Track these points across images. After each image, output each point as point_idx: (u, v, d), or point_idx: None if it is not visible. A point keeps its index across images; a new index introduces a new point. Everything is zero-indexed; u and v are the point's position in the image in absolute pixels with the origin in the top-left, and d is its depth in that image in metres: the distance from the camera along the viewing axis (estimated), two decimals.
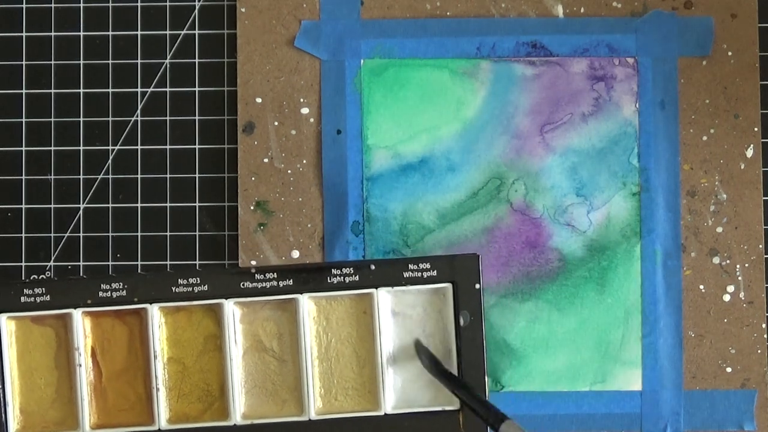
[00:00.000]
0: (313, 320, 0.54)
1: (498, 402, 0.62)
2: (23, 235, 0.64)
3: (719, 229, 0.62)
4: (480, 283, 0.53)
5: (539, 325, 0.62)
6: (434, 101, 0.63)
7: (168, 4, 0.64)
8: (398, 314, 0.54)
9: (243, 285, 0.53)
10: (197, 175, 0.63)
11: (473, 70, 0.63)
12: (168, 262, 0.63)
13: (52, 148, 0.64)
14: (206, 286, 0.53)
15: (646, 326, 0.62)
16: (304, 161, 0.63)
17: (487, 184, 0.63)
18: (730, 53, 0.62)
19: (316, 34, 0.63)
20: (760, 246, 0.62)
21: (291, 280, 0.53)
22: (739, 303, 0.62)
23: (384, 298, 0.53)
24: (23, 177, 0.64)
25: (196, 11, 0.64)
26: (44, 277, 0.62)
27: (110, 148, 0.64)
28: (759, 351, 0.62)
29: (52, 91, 0.64)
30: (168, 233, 0.63)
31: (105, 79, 0.64)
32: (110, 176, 0.64)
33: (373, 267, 0.53)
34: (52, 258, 0.64)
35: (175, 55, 0.64)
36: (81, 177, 0.64)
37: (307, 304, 0.53)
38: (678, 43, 0.62)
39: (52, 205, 0.64)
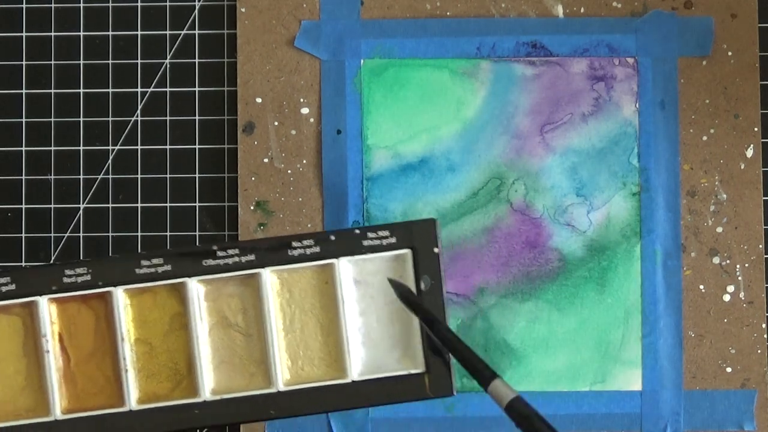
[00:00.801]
0: (276, 293, 0.54)
1: None
2: (23, 235, 0.64)
3: (719, 229, 0.62)
4: (438, 247, 0.53)
5: (539, 325, 0.62)
6: (434, 101, 0.63)
7: (168, 4, 0.64)
8: (360, 282, 0.54)
9: (206, 263, 0.53)
10: (197, 175, 0.63)
11: (473, 70, 0.63)
12: None
13: (52, 148, 0.64)
14: (169, 266, 0.53)
15: (646, 326, 0.62)
16: (304, 161, 0.63)
17: (487, 184, 0.63)
18: (730, 53, 0.62)
19: (316, 34, 0.63)
20: (760, 246, 0.62)
21: (253, 255, 0.53)
22: (739, 303, 0.62)
23: (345, 267, 0.54)
24: (23, 177, 0.64)
25: (196, 11, 0.64)
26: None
27: (110, 148, 0.64)
28: (759, 351, 0.62)
29: (52, 91, 0.64)
30: (168, 233, 0.63)
31: (105, 79, 0.64)
32: (110, 176, 0.64)
33: (333, 237, 0.53)
34: (52, 258, 0.64)
35: (175, 55, 0.64)
36: (81, 177, 0.64)
37: (269, 278, 0.53)
38: (678, 43, 0.62)
39: (52, 205, 0.64)
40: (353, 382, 0.53)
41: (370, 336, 0.54)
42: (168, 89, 0.64)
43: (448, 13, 0.63)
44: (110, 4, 0.64)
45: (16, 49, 0.64)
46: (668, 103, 0.62)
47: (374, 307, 0.54)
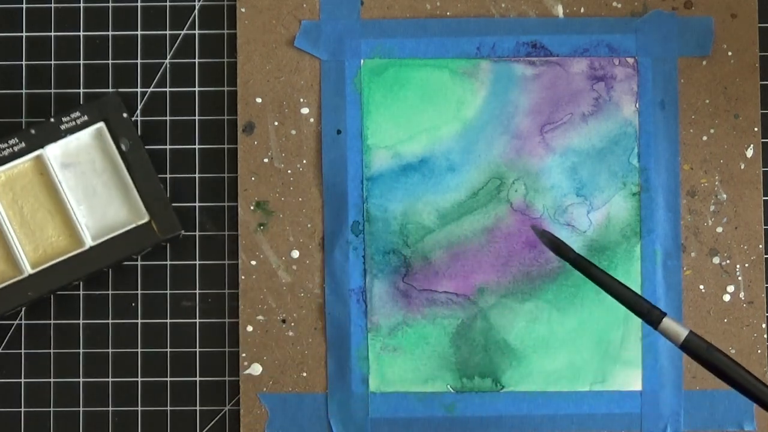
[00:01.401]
0: (1, 195, 0.61)
1: (498, 402, 0.62)
2: None
3: (719, 229, 0.62)
4: (126, 113, 0.61)
5: (539, 325, 0.62)
6: (434, 101, 0.63)
7: (168, 4, 0.64)
8: (70, 164, 0.61)
9: None
10: (197, 175, 0.63)
11: (473, 70, 0.63)
12: (168, 262, 0.63)
13: None
14: None
15: (646, 326, 0.62)
16: (304, 161, 0.63)
17: (487, 184, 0.63)
18: (730, 53, 0.62)
19: (316, 34, 0.63)
20: (760, 246, 0.62)
21: None
22: (739, 303, 0.62)
23: (53, 154, 0.61)
24: None
25: (196, 11, 0.64)
26: None
27: None
28: (759, 351, 0.62)
29: (52, 91, 0.64)
30: None
31: (105, 79, 0.64)
32: None
33: (33, 131, 0.60)
34: None
35: (175, 55, 0.64)
36: None
37: None
38: (678, 43, 0.62)
39: None
40: (91, 247, 0.60)
41: (94, 205, 0.61)
42: (168, 89, 0.64)
43: (448, 13, 0.63)
44: (110, 4, 0.64)
45: (16, 49, 0.64)
46: (668, 103, 0.62)
47: (89, 179, 0.61)
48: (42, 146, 0.60)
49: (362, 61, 0.63)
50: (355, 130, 0.63)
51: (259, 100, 0.63)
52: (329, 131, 0.63)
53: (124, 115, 0.61)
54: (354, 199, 0.63)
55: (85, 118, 0.61)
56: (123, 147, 0.61)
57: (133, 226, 0.61)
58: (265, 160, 0.63)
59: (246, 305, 0.62)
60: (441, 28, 0.63)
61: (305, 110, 0.63)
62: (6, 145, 0.60)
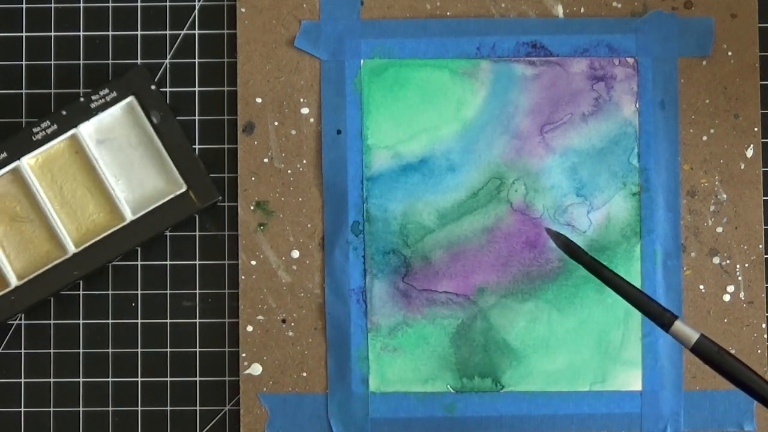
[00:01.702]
0: (39, 177, 0.61)
1: (498, 402, 0.62)
2: None
3: (719, 229, 0.62)
4: (154, 85, 0.61)
5: (539, 325, 0.62)
6: (434, 101, 0.63)
7: (168, 4, 0.64)
8: (104, 141, 0.61)
9: None
10: None
11: (473, 70, 0.63)
12: (168, 263, 0.63)
13: None
14: None
15: (646, 326, 0.62)
16: (304, 161, 0.63)
17: (487, 184, 0.63)
18: (730, 53, 0.62)
19: (316, 34, 0.63)
20: (760, 246, 0.62)
21: (4, 153, 0.61)
22: (739, 303, 0.62)
23: (87, 132, 0.61)
24: None
25: (196, 11, 0.64)
26: None
27: None
28: (759, 351, 0.62)
29: (52, 91, 0.64)
30: (168, 233, 0.63)
31: (105, 79, 0.64)
32: None
33: (64, 113, 0.61)
34: None
35: (175, 55, 0.64)
36: None
37: (27, 166, 0.61)
38: (678, 43, 0.62)
39: None
40: (132, 221, 0.61)
41: (131, 179, 0.62)
42: (168, 89, 0.64)
43: (448, 13, 0.63)
44: (110, 4, 0.64)
45: (16, 49, 0.64)
46: (668, 103, 0.62)
47: (125, 154, 0.62)
48: (75, 126, 0.61)
49: (362, 61, 0.63)
50: (355, 130, 0.63)
51: (259, 100, 0.63)
52: (329, 131, 0.63)
53: (153, 87, 0.61)
54: (354, 199, 0.63)
55: (114, 94, 0.61)
56: (154, 119, 0.61)
57: (172, 196, 0.61)
58: (265, 160, 0.63)
59: (246, 305, 0.62)
60: (441, 28, 0.63)
61: (305, 110, 0.63)
62: (39, 128, 0.61)
